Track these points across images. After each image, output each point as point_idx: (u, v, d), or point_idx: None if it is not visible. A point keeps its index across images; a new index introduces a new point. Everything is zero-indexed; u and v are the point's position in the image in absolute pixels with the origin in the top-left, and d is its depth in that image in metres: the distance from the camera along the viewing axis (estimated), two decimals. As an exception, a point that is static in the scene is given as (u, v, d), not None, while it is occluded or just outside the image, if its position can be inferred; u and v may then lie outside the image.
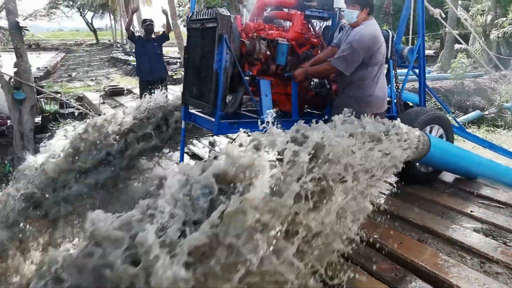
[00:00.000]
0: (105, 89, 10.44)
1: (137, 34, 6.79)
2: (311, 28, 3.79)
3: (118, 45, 33.36)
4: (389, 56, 4.15)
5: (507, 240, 2.87)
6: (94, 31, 47.08)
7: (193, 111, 3.67)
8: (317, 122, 3.41)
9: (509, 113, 10.82)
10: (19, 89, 5.84)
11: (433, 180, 3.99)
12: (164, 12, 6.60)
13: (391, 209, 3.36)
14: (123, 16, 30.52)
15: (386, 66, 3.62)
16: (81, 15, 44.65)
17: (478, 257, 2.66)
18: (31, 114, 5.93)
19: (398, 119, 2.98)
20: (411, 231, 3.04)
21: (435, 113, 3.91)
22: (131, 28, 6.64)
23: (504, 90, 11.62)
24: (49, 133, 6.56)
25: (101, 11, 42.66)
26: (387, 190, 3.86)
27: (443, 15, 5.98)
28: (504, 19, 13.86)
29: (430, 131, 3.89)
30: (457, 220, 3.19)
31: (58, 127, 6.69)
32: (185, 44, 3.80)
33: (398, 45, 4.50)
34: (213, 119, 3.25)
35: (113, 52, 27.29)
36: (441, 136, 3.96)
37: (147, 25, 6.42)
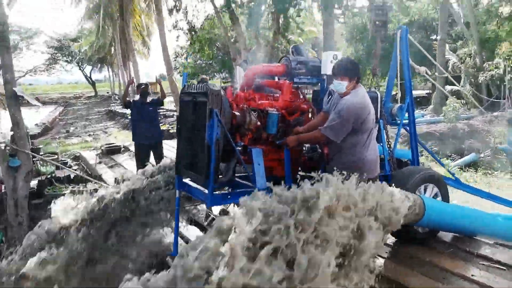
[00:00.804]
0: (102, 148, 10.51)
1: (132, 98, 6.88)
2: (301, 94, 3.88)
3: (116, 97, 34.00)
4: (379, 116, 4.24)
5: (511, 308, 2.79)
6: (92, 83, 48.16)
7: (187, 180, 3.68)
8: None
9: (504, 155, 10.89)
10: (15, 156, 5.86)
11: (431, 240, 3.93)
12: (158, 81, 6.78)
13: (391, 275, 3.29)
14: (120, 69, 31.37)
15: (376, 127, 3.67)
16: (79, 68, 45.83)
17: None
18: (26, 180, 5.91)
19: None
20: (410, 300, 2.96)
21: (428, 172, 3.92)
22: (127, 98, 6.73)
23: (498, 132, 11.77)
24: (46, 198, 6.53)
25: (99, 64, 43.85)
26: (386, 252, 3.81)
27: (429, 72, 6.14)
28: (491, 62, 14.26)
29: (425, 190, 3.90)
30: (458, 285, 3.11)
31: (54, 191, 6.68)
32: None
33: (388, 104, 4.61)
34: (206, 190, 3.25)
35: (111, 105, 27.78)
36: (435, 195, 3.96)
37: (143, 89, 6.52)
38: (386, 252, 3.81)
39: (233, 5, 12.89)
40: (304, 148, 3.66)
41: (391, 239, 4.01)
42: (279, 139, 3.53)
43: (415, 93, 21.53)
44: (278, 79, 3.94)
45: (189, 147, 3.45)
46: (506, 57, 13.14)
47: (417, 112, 15.39)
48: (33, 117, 23.70)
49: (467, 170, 10.27)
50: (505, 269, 3.35)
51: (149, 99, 6.60)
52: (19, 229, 5.68)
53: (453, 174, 5.21)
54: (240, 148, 3.36)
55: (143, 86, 6.56)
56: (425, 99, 21.29)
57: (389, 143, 4.23)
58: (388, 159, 4.21)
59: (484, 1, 17.07)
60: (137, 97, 6.66)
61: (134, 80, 7.16)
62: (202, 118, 3.18)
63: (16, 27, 30.88)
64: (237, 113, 3.26)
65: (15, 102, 5.78)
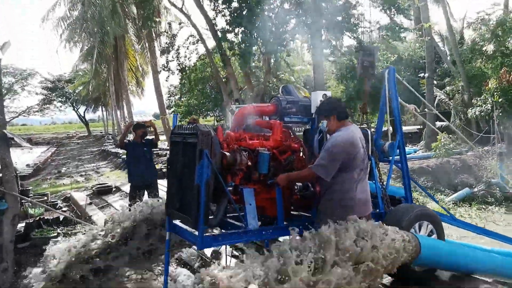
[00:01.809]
0: (93, 188, 10.37)
1: (127, 140, 6.90)
2: (291, 133, 3.90)
3: (110, 137, 34.00)
4: (370, 153, 4.24)
5: None
6: (86, 123, 48.29)
7: (177, 222, 3.60)
8: (304, 227, 3.41)
9: (497, 189, 10.91)
10: (2, 199, 5.73)
11: (429, 279, 3.84)
12: (152, 124, 6.83)
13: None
14: (114, 109, 31.57)
15: (368, 165, 3.65)
16: (73, 109, 46.05)
17: None
18: (13, 224, 5.73)
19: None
20: None
21: (422, 210, 3.89)
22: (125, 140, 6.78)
23: (490, 166, 11.84)
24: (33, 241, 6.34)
25: (93, 105, 44.16)
26: (383, 293, 3.71)
27: (418, 110, 6.26)
28: (479, 98, 14.58)
29: (419, 228, 3.84)
30: (458, 328, 3.01)
31: (42, 234, 6.49)
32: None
33: (379, 141, 4.63)
34: (197, 232, 3.17)
35: (104, 144, 27.70)
36: (430, 232, 3.90)
37: (142, 129, 6.55)
38: (384, 293, 3.71)
39: (224, 46, 13.22)
40: (296, 187, 3.62)
41: (387, 279, 3.91)
42: (271, 178, 3.51)
43: (406, 129, 21.81)
44: (269, 119, 3.96)
45: (179, 188, 3.40)
46: (493, 93, 13.44)
47: (409, 148, 15.53)
48: (25, 158, 23.60)
49: (461, 205, 10.24)
50: (505, 309, 3.26)
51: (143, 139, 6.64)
52: (4, 275, 5.46)
53: (447, 211, 5.18)
54: (231, 188, 3.32)
55: (141, 127, 6.58)
56: (416, 135, 21.53)
57: (382, 180, 4.22)
58: (381, 197, 4.19)
59: (468, 40, 17.68)
60: (131, 137, 6.68)
61: (133, 123, 7.21)
62: (192, 159, 3.16)
63: (11, 69, 31.27)
64: (227, 153, 3.25)
65: (4, 144, 5.71)
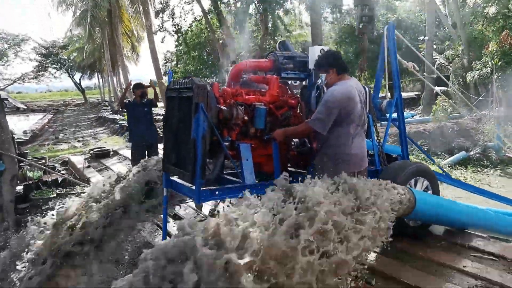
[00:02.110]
0: (91, 152, 10.37)
1: (127, 100, 6.88)
2: (288, 90, 3.85)
3: (106, 104, 33.76)
4: (367, 111, 4.22)
5: (503, 298, 2.76)
6: (82, 91, 47.80)
7: (174, 178, 3.61)
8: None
9: (493, 152, 10.96)
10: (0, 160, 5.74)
11: (424, 234, 3.90)
12: (152, 84, 6.75)
13: (383, 269, 3.25)
14: (110, 76, 31.19)
15: (365, 122, 3.63)
16: (69, 76, 45.45)
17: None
18: (12, 185, 5.78)
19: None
20: (404, 293, 2.92)
21: (418, 166, 3.90)
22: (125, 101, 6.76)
23: (486, 130, 11.85)
24: (32, 202, 6.41)
25: (89, 71, 43.56)
26: (378, 247, 3.77)
27: (417, 68, 6.17)
28: (478, 62, 14.40)
29: (415, 184, 3.87)
30: (451, 277, 3.08)
31: (41, 195, 6.55)
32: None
33: (376, 99, 4.59)
34: (194, 187, 3.19)
35: (101, 111, 27.54)
36: (426, 188, 3.94)
37: (140, 88, 6.52)
38: (378, 247, 3.77)
39: (220, 6, 12.86)
40: (293, 143, 3.61)
41: (382, 234, 3.98)
42: (267, 134, 3.50)
43: (405, 95, 21.69)
44: (265, 74, 3.90)
45: (175, 144, 3.39)
46: (493, 56, 13.25)
47: (407, 112, 15.48)
48: (22, 125, 23.48)
49: (457, 168, 10.31)
50: (496, 260, 3.33)
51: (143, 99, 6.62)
52: (5, 234, 5.55)
53: (443, 170, 5.21)
54: (227, 144, 3.31)
55: (140, 87, 6.54)
56: (414, 101, 21.45)
57: (379, 138, 4.21)
58: (378, 154, 4.20)
59: (470, 3, 17.28)
60: (132, 97, 6.70)
61: (132, 83, 7.13)
62: (188, 113, 3.13)
63: (4, 34, 30.62)
64: (223, 108, 3.21)
65: (-1, 105, 5.66)
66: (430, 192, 3.95)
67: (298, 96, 3.86)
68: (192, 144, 3.07)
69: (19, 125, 22.29)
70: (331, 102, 3.15)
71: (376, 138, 4.19)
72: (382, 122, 4.67)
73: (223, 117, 3.21)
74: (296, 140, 3.65)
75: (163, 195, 3.71)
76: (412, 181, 3.82)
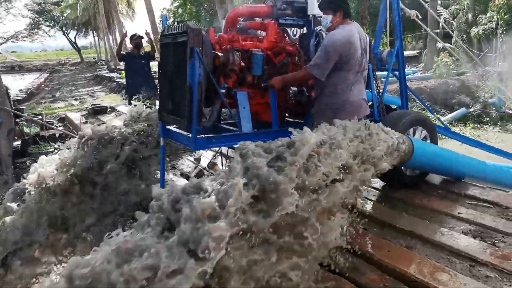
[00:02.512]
0: (88, 108, 10.29)
1: (124, 51, 6.76)
2: (286, 36, 3.73)
3: (103, 63, 33.23)
4: (368, 60, 4.12)
5: (496, 241, 2.80)
6: (78, 49, 46.87)
7: (171, 127, 3.58)
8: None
9: (493, 108, 10.91)
10: (-5, 114, 5.69)
11: (421, 183, 3.92)
12: (148, 35, 6.59)
13: (379, 216, 3.29)
14: (106, 34, 30.48)
15: (365, 70, 3.54)
16: (64, 34, 44.39)
17: (468, 261, 2.58)
18: (9, 139, 5.77)
19: (380, 123, 2.94)
20: (399, 238, 2.95)
21: (417, 115, 3.85)
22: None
23: (488, 86, 11.72)
24: (30, 157, 6.41)
25: (84, 29, 42.50)
26: (374, 195, 3.81)
27: (420, 16, 5.97)
28: (484, 16, 14.02)
29: (414, 134, 3.85)
30: (445, 223, 3.12)
31: (39, 149, 6.55)
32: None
33: (377, 49, 4.48)
34: (190, 135, 3.16)
35: (97, 70, 27.14)
36: (425, 138, 3.91)
37: (135, 39, 6.42)
38: (375, 195, 3.81)
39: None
40: (291, 91, 3.55)
41: (379, 183, 4.00)
42: (265, 81, 3.42)
43: (406, 53, 21.29)
44: (263, 20, 3.77)
45: (171, 91, 3.33)
46: (499, 10, 12.90)
47: (408, 69, 15.24)
48: (17, 84, 23.19)
49: (457, 124, 10.30)
50: (491, 207, 3.36)
51: (141, 52, 6.53)
52: (4, 188, 5.59)
53: (442, 122, 5.17)
54: (224, 91, 3.25)
55: (135, 37, 6.42)
56: (416, 59, 21.09)
57: (378, 88, 4.14)
58: (378, 105, 4.14)
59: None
60: (129, 49, 6.61)
61: (127, 34, 6.97)
62: (183, 58, 3.05)
63: (-6, -10, 29.68)
64: (219, 54, 3.12)
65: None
66: (428, 141, 3.93)
67: (297, 43, 3.75)
68: (188, 90, 3.01)
69: (15, 84, 22.01)
70: (331, 46, 3.05)
71: (375, 88, 4.13)
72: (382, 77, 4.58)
73: (219, 63, 3.13)
74: (294, 88, 3.57)
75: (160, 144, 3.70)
76: (411, 130, 3.79)
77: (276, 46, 3.49)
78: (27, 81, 25.85)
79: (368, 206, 3.55)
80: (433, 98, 11.25)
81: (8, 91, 8.24)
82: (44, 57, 63.36)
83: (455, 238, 2.85)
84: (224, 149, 4.33)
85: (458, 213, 3.25)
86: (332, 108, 3.20)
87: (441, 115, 10.80)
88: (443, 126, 5.18)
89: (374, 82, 4.10)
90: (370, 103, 4.10)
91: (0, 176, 5.70)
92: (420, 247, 2.80)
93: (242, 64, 3.21)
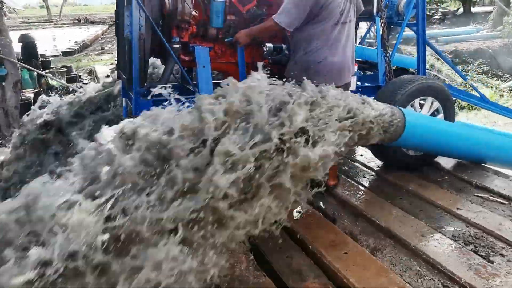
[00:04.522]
0: (118, 61, 10.20)
1: None
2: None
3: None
4: (375, 11, 3.39)
5: (492, 253, 2.15)
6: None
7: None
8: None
9: None
10: (1, 65, 5.64)
11: (426, 165, 3.24)
12: None
13: (356, 203, 2.72)
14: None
15: (352, 22, 2.82)
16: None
17: (442, 278, 1.98)
18: (15, 91, 5.73)
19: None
20: (370, 235, 2.38)
21: (427, 82, 3.10)
22: None
23: None
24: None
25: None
26: (364, 177, 3.20)
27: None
28: None
29: (421, 105, 3.13)
30: (435, 220, 2.48)
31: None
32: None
33: (394, -1, 3.69)
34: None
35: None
36: (436, 111, 3.18)
37: None
38: (364, 177, 3.20)
39: None
40: (265, 48, 2.96)
41: (376, 162, 3.38)
42: (232, 35, 2.87)
43: (479, 9, 18.91)
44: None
45: (119, 45, 2.89)
46: None
47: (472, 27, 13.41)
48: (80, 35, 23.93)
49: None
50: (505, 203, 2.65)
51: None
52: (12, 140, 5.63)
53: (476, 90, 4.29)
54: (178, 46, 2.75)
55: None
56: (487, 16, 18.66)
57: (386, 46, 3.40)
58: (385, 66, 3.43)
59: None
60: None
61: None
62: (122, 6, 2.57)
63: None
64: (167, 0, 2.60)
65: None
66: (441, 116, 3.19)
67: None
68: (127, 44, 2.56)
69: (75, 36, 22.64)
70: None
71: (382, 46, 3.40)
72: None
73: (167, 12, 2.61)
74: (269, 45, 2.97)
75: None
76: (417, 100, 3.07)
77: (244, -9, 2.89)
78: (90, 33, 26.55)
79: (349, 189, 2.95)
80: (495, 61, 9.80)
81: (35, 42, 8.29)
82: (112, 10, 65.00)
83: (438, 243, 2.23)
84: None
85: (457, 208, 2.59)
86: (304, 69, 2.59)
87: (502, 80, 9.42)
88: (479, 95, 4.29)
89: (381, 38, 3.39)
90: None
91: (8, 128, 5.72)
92: (389, 251, 2.23)
93: (195, 13, 2.66)
